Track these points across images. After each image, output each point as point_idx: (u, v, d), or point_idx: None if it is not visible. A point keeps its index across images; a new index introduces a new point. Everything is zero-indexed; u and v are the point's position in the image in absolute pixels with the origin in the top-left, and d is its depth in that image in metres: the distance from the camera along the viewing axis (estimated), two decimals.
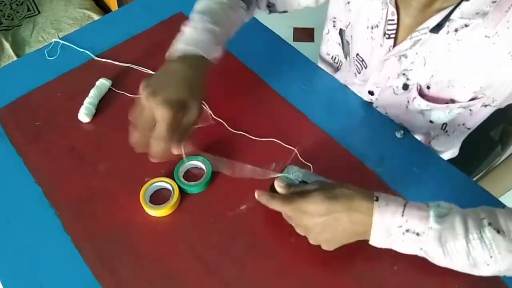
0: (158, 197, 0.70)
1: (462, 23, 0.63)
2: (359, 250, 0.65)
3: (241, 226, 0.67)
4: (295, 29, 2.09)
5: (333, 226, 0.55)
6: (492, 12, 0.61)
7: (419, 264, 0.61)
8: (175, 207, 0.69)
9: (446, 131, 0.82)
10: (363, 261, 0.64)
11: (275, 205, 0.58)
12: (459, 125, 0.79)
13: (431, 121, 0.77)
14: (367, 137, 0.77)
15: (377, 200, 0.54)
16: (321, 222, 0.55)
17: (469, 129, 0.80)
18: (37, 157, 0.75)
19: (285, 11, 0.89)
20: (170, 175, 0.71)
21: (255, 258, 0.64)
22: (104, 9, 1.72)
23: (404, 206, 0.53)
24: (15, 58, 1.48)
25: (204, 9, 0.72)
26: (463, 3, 0.62)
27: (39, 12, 1.65)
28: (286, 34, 2.03)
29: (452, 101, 0.72)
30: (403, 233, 0.53)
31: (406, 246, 0.55)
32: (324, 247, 0.60)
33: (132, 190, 0.70)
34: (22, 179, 0.73)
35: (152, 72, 0.86)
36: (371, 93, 0.80)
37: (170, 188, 0.69)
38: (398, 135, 0.77)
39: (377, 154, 0.74)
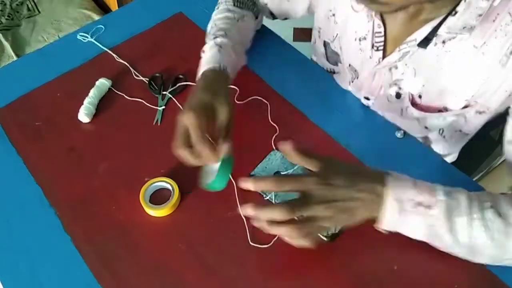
0: (158, 197, 0.70)
1: (452, 36, 0.63)
2: (359, 250, 0.65)
3: (241, 226, 0.66)
4: (295, 29, 2.09)
5: (354, 198, 0.56)
6: (478, 23, 0.61)
7: (419, 264, 0.61)
8: (175, 207, 0.69)
9: (444, 136, 0.83)
10: (363, 261, 0.64)
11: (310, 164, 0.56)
12: (456, 131, 0.80)
13: (426, 127, 0.78)
14: (367, 137, 0.77)
15: (387, 174, 0.57)
16: (346, 193, 0.55)
17: (467, 134, 0.80)
18: (37, 157, 0.75)
19: (286, 19, 0.93)
20: (170, 175, 0.71)
21: (255, 258, 0.64)
22: (104, 9, 1.72)
23: (415, 181, 0.57)
24: (15, 58, 1.48)
25: (209, 30, 0.79)
26: (449, 18, 0.61)
27: (39, 12, 1.66)
28: (286, 34, 2.02)
29: (445, 109, 0.73)
30: (415, 207, 0.55)
31: (415, 223, 0.56)
32: (330, 224, 0.58)
33: (132, 190, 0.70)
34: (22, 179, 0.73)
35: (145, 79, 0.86)
36: (367, 98, 0.81)
37: (170, 188, 0.69)
38: (398, 135, 0.77)
39: (377, 154, 0.74)
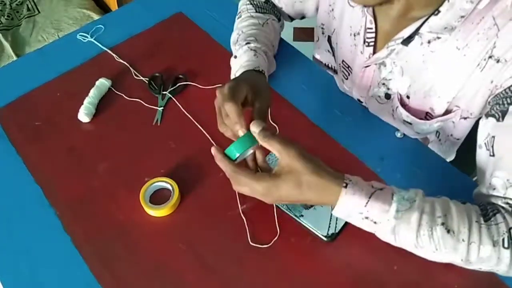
0: (158, 197, 0.70)
1: (433, 36, 0.64)
2: (359, 250, 0.65)
3: (241, 226, 0.67)
4: (295, 29, 2.09)
5: (300, 201, 0.58)
6: (462, 25, 0.61)
7: (419, 264, 0.61)
8: (175, 207, 0.69)
9: (440, 140, 0.83)
10: (363, 261, 0.64)
11: (245, 178, 0.57)
12: (448, 135, 0.80)
13: (417, 132, 0.78)
14: (367, 137, 0.77)
15: (345, 187, 0.55)
16: (290, 200, 0.57)
17: (458, 139, 0.81)
18: (37, 157, 0.75)
19: (303, 17, 0.93)
20: (170, 175, 0.71)
21: (255, 258, 0.64)
22: (104, 9, 1.72)
23: (370, 197, 0.55)
24: (15, 58, 1.48)
25: (236, 38, 0.79)
26: (432, 18, 0.62)
27: (39, 12, 1.65)
28: (286, 34, 2.02)
29: (430, 114, 0.73)
30: (362, 219, 0.56)
31: (361, 226, 0.58)
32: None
33: (132, 190, 0.70)
34: (22, 179, 0.73)
35: (145, 79, 0.86)
36: (359, 101, 0.81)
37: (170, 188, 0.69)
38: (398, 135, 0.77)
39: (377, 154, 0.74)
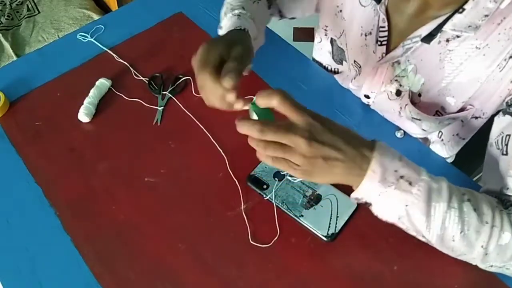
0: None
1: (454, 34, 0.64)
2: (359, 250, 0.65)
3: (241, 226, 0.67)
4: (295, 29, 2.09)
5: (337, 160, 0.52)
6: (484, 25, 0.61)
7: (419, 264, 0.61)
8: None
9: (442, 140, 0.83)
10: (363, 261, 0.64)
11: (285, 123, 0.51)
12: (453, 135, 0.80)
13: (423, 129, 0.78)
14: (367, 137, 0.77)
15: (377, 141, 0.54)
16: (328, 154, 0.51)
17: (463, 139, 0.80)
18: (37, 157, 0.75)
19: (293, 18, 0.92)
20: (171, 174, 0.71)
21: (255, 258, 0.64)
22: (104, 9, 1.72)
23: (402, 156, 0.54)
24: (15, 58, 1.48)
25: (224, 10, 0.77)
26: (456, 15, 0.62)
27: (39, 12, 1.65)
28: (286, 34, 2.02)
29: (442, 111, 0.73)
30: (397, 179, 0.52)
31: (392, 199, 0.53)
32: (307, 178, 0.54)
33: (132, 190, 0.70)
34: (22, 179, 0.73)
35: (145, 79, 0.86)
36: (367, 96, 0.81)
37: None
38: (398, 135, 0.77)
39: None
